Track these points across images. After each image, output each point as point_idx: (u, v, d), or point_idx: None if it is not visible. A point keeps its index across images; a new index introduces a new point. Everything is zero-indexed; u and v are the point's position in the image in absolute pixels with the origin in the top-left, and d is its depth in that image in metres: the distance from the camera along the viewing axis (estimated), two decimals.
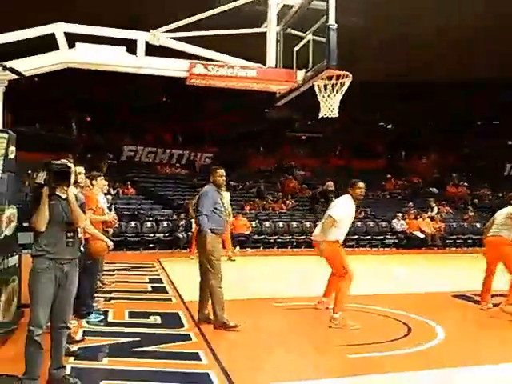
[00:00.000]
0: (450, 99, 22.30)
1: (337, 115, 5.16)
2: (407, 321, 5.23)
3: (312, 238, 5.70)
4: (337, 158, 23.19)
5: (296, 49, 5.33)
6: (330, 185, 17.47)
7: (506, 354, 4.27)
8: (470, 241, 15.11)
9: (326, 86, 5.20)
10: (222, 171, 5.12)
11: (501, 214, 6.05)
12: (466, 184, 21.36)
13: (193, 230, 10.83)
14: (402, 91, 21.26)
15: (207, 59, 5.33)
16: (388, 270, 10.17)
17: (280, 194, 17.46)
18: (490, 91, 21.75)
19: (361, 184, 5.23)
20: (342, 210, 5.16)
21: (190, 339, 4.55)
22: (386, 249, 14.31)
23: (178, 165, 19.40)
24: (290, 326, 5.18)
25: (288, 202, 16.76)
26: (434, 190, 20.37)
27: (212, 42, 5.35)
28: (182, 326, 5.02)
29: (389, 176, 20.74)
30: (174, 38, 5.34)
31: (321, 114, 5.36)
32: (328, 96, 5.15)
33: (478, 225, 15.69)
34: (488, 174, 22.57)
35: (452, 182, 21.45)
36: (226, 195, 10.71)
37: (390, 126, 27.56)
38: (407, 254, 13.32)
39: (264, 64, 5.31)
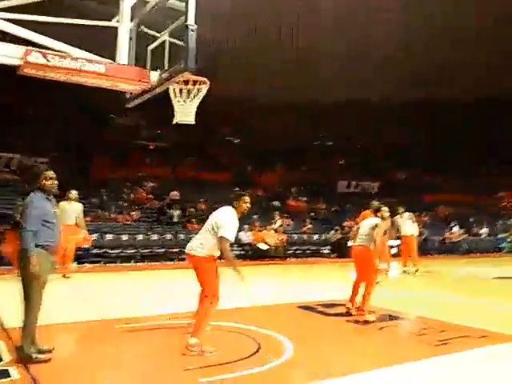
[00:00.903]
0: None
1: (193, 122, 4.89)
2: (256, 336, 5.13)
3: (190, 252, 4.82)
4: (185, 168, 23.03)
5: (150, 48, 4.95)
6: (175, 195, 17.35)
7: (355, 363, 4.40)
8: (308, 251, 16.28)
9: (181, 90, 4.91)
10: (50, 173, 4.32)
11: (365, 225, 6.50)
12: (304, 198, 22.98)
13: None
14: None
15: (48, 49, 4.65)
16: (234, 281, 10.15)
17: (125, 204, 16.60)
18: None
19: (247, 198, 4.93)
20: (234, 229, 4.70)
21: (9, 376, 3.80)
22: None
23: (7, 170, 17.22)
24: (135, 351, 4.70)
25: (133, 213, 15.99)
26: (277, 203, 21.44)
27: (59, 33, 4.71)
28: (0, 359, 4.21)
29: (236, 189, 21.25)
30: (8, 20, 4.56)
31: (175, 120, 5.04)
32: (184, 101, 4.86)
33: (316, 236, 17.16)
34: (323, 189, 24.75)
35: (292, 196, 22.92)
36: (76, 206, 9.78)
37: (237, 141, 28.69)
38: (253, 265, 13.61)
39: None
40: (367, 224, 6.52)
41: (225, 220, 4.71)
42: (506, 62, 25.04)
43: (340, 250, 15.55)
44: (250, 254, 14.82)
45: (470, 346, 5.02)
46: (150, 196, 18.12)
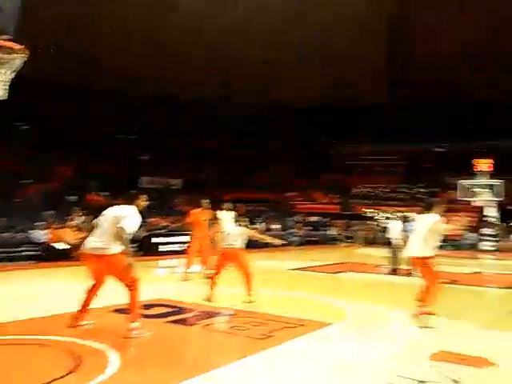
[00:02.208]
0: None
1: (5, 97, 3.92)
2: (76, 349, 4.43)
3: (97, 252, 5.01)
4: None
5: None
6: None
7: (186, 368, 4.09)
8: None
9: None
10: None
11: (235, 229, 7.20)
12: (106, 193, 21.64)
13: None
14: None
15: None
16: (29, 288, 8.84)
17: None
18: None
19: (144, 196, 5.27)
20: (137, 222, 5.04)
21: None
22: (24, 262, 12.63)
23: None
24: None
25: None
26: (74, 198, 19.70)
27: None
28: None
29: (28, 181, 18.86)
30: None
31: None
32: None
33: None
34: (124, 184, 23.71)
35: (92, 191, 21.35)
36: None
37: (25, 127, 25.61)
38: (49, 267, 12.12)
39: None
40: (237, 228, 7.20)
41: (127, 214, 5.01)
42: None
43: (146, 248, 15.03)
44: (45, 255, 13.16)
45: (291, 335, 5.22)
46: None
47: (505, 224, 22.94)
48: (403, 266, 10.82)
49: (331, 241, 24.80)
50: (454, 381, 3.84)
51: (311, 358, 4.48)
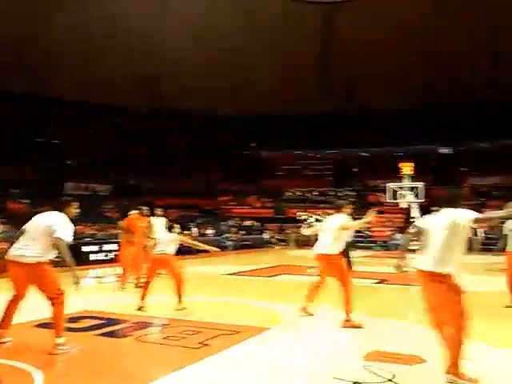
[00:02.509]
0: None
1: None
2: None
3: (21, 260, 4.71)
4: None
5: None
6: None
7: None
8: None
9: None
10: None
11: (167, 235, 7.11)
12: (27, 201, 20.45)
13: None
14: None
15: None
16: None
17: None
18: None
19: (76, 203, 5.09)
20: (71, 231, 4.82)
21: None
22: None
23: None
24: None
25: None
26: None
27: None
28: None
29: None
30: None
31: None
32: None
33: None
34: (48, 190, 22.54)
35: (12, 198, 20.12)
36: None
37: None
38: None
39: None
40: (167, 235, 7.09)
41: (61, 222, 4.78)
42: None
43: (76, 257, 14.26)
44: None
45: (228, 343, 5.12)
46: None
47: None
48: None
49: (265, 244, 25.01)
50: (389, 380, 3.92)
51: (248, 365, 4.41)
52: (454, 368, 3.73)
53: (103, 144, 29.03)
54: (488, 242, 23.33)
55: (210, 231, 23.32)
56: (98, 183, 27.37)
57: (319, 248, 6.32)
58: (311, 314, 6.41)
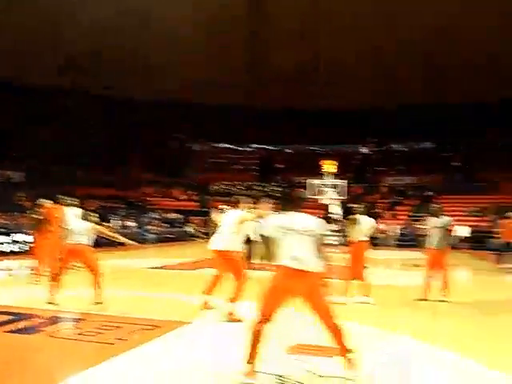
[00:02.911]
0: None
1: None
2: None
3: None
4: None
5: None
6: None
7: None
8: None
9: None
10: None
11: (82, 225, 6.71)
12: None
13: None
14: None
15: None
16: None
17: None
18: None
19: None
20: None
21: None
22: None
23: None
24: None
25: None
26: None
27: None
28: None
29: None
30: None
31: None
32: None
33: None
34: None
35: None
36: None
37: None
38: None
39: None
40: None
41: None
42: None
43: None
44: None
45: (147, 338, 4.96)
46: None
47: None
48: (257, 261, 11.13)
49: (189, 237, 24.74)
50: (311, 372, 3.98)
51: (168, 361, 4.28)
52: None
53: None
54: (403, 239, 24.76)
55: (132, 223, 22.64)
56: (11, 170, 25.59)
57: (216, 243, 6.18)
58: (212, 308, 6.27)
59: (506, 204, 24.87)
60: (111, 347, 4.59)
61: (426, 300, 7.60)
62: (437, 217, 7.83)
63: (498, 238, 15.31)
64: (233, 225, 6.06)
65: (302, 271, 3.74)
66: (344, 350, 3.76)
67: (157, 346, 4.73)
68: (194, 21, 27.36)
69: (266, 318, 3.78)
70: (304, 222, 3.88)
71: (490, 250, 19.27)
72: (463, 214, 25.16)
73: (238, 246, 6.14)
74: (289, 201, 4.06)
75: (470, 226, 22.65)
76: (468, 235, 17.37)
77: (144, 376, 3.87)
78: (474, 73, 29.02)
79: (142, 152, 33.13)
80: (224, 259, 6.11)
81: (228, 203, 7.20)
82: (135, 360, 4.27)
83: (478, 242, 21.54)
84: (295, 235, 3.80)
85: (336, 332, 3.77)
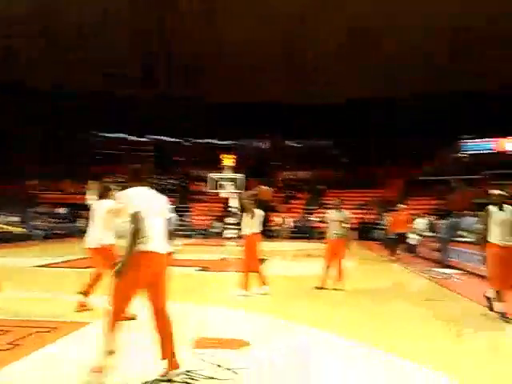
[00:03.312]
0: None
1: None
2: None
3: None
4: None
5: None
6: None
7: None
8: None
9: None
10: None
11: None
12: None
13: None
14: None
15: None
16: None
17: None
18: None
19: None
20: None
21: None
22: None
23: None
24: None
25: None
26: None
27: None
28: None
29: None
30: None
31: None
32: None
33: None
34: None
35: None
36: None
37: None
38: None
39: None
40: None
41: None
42: None
43: None
44: None
45: (43, 342, 4.63)
46: None
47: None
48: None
49: (80, 233, 23.41)
50: (218, 365, 4.00)
51: (69, 364, 4.04)
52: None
53: None
54: (295, 231, 25.79)
55: (14, 218, 20.87)
56: None
57: (90, 241, 6.03)
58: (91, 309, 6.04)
59: (387, 198, 27.11)
60: (3, 354, 4.22)
61: (323, 288, 8.02)
62: (337, 210, 8.31)
63: (384, 229, 16.58)
64: (102, 218, 5.79)
65: (159, 254, 3.62)
66: (170, 352, 3.74)
67: (54, 350, 4.44)
68: None
69: (122, 309, 3.69)
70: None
71: (375, 240, 20.87)
72: (351, 207, 26.92)
73: (109, 240, 5.93)
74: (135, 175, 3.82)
75: (356, 218, 24.23)
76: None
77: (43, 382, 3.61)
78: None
79: (28, 143, 30.71)
80: (97, 255, 5.86)
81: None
82: (31, 366, 3.98)
83: (364, 232, 23.20)
84: (151, 215, 3.63)
85: (169, 329, 3.77)
